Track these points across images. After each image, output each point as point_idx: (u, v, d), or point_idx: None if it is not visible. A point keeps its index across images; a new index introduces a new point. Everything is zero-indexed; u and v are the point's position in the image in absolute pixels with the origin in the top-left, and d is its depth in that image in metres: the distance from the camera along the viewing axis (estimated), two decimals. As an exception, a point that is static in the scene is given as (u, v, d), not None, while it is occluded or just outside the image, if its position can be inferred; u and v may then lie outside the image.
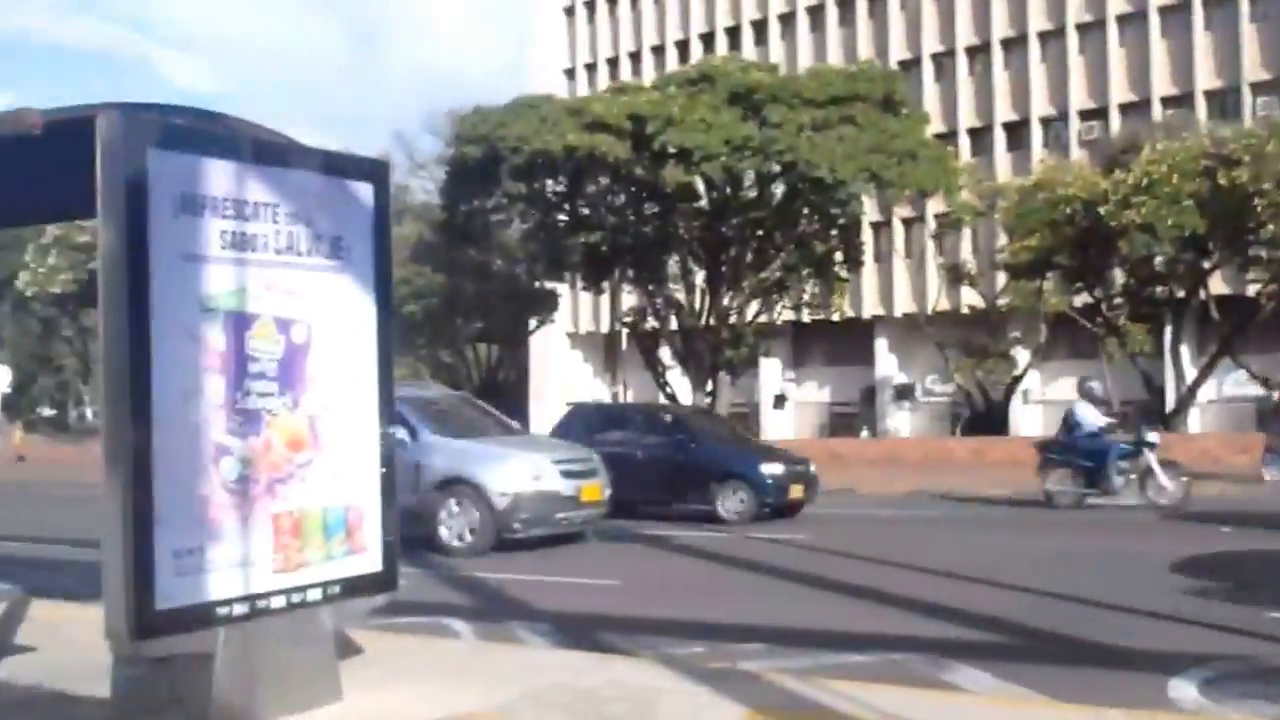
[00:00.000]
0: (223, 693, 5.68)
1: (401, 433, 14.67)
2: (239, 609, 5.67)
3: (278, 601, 5.86)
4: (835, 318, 44.78)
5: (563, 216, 35.86)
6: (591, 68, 60.48)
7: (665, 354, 39.24)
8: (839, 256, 36.54)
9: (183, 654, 5.74)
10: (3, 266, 44.05)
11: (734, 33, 55.94)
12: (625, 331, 42.52)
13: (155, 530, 5.31)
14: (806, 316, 42.88)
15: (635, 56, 59.04)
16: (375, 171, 6.64)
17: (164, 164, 5.42)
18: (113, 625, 5.37)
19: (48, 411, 67.61)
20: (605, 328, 53.34)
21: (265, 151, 6.08)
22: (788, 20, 54.91)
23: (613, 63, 59.58)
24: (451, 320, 43.59)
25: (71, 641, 7.59)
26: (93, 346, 51.01)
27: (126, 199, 5.30)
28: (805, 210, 33.75)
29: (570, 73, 60.93)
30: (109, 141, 5.26)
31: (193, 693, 5.77)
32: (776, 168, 31.44)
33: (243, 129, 6.23)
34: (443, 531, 14.89)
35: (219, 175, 5.67)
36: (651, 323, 38.27)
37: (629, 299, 42.26)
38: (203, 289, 5.58)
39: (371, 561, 6.36)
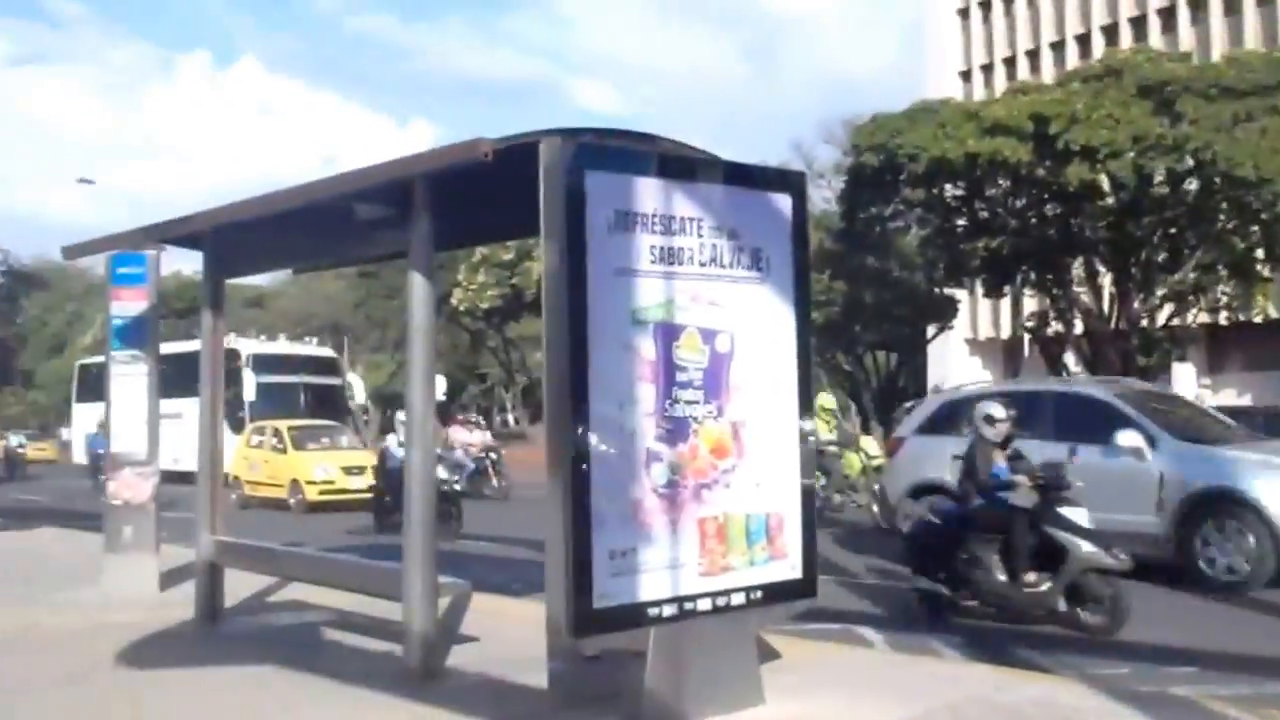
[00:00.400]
0: (654, 691, 5.91)
1: (1137, 439, 13.08)
2: (668, 610, 5.89)
3: (704, 604, 6.04)
4: (1257, 319, 41.77)
5: (962, 221, 35.08)
6: (988, 68, 58.90)
7: (1070, 360, 37.71)
8: (1260, 254, 33.99)
9: (615, 651, 6.03)
10: (441, 284, 47.40)
11: (1139, 23, 53.05)
12: (1027, 337, 41.14)
13: (593, 531, 5.61)
14: (1223, 319, 40.20)
15: (1033, 54, 57.02)
16: (793, 183, 6.75)
17: (599, 184, 5.74)
18: (553, 619, 5.70)
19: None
20: (1006, 333, 51.88)
21: (689, 168, 6.31)
22: (1199, 5, 51.51)
23: (1009, 62, 57.78)
24: (850, 327, 43.49)
25: (509, 634, 8.11)
26: (515, 357, 54.06)
27: (566, 218, 5.64)
28: (1223, 206, 31.57)
29: (966, 75, 59.58)
30: (550, 165, 5.61)
31: (625, 690, 6.04)
32: (1190, 163, 29.55)
33: (668, 147, 6.50)
34: (1201, 558, 12.42)
35: (648, 192, 5.94)
36: (1055, 327, 36.87)
37: (1030, 303, 40.85)
38: (634, 301, 5.86)
39: (792, 568, 6.46)
